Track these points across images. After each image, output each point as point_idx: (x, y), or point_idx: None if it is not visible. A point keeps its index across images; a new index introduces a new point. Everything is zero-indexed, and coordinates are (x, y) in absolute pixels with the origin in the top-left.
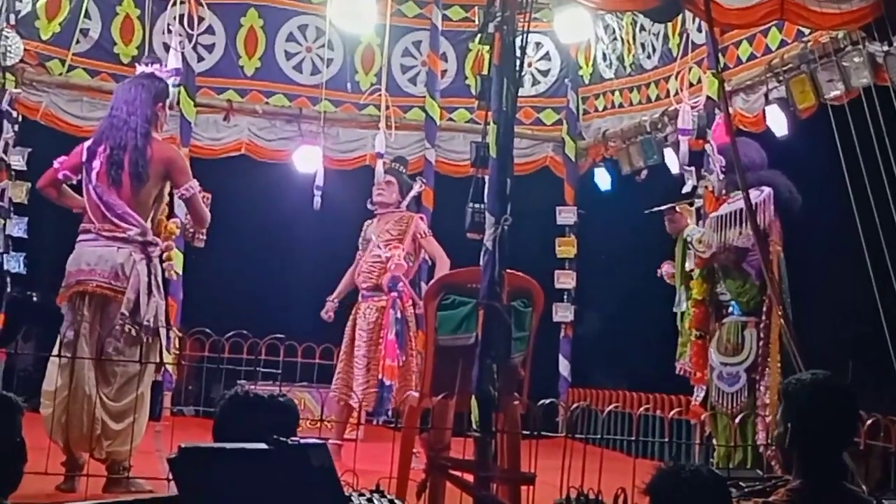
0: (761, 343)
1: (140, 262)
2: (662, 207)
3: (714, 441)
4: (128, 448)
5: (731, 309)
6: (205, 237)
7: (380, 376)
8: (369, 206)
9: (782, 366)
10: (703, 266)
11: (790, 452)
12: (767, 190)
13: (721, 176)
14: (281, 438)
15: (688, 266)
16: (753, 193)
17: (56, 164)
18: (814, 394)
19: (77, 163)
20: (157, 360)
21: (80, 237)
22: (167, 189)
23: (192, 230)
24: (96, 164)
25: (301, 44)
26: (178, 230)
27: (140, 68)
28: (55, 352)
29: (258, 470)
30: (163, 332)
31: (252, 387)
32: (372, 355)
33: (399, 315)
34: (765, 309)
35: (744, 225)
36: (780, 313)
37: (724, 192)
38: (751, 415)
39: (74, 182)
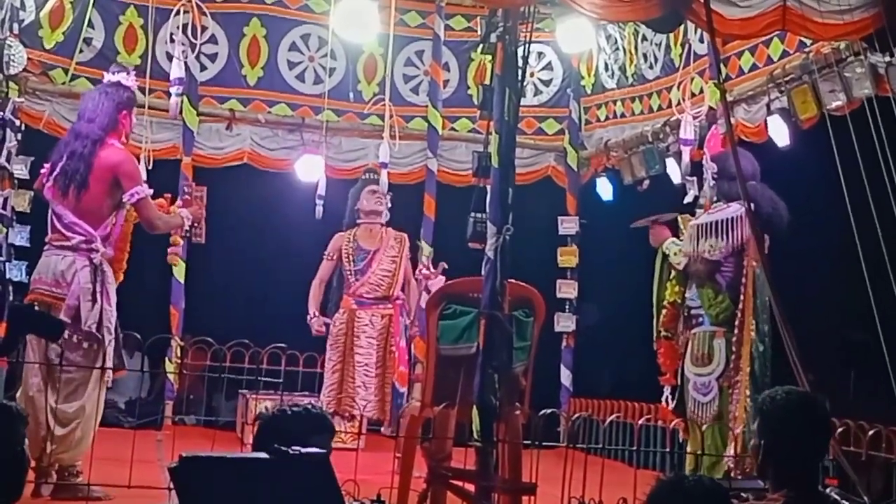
0: (732, 357)
1: (82, 270)
2: (642, 222)
3: (687, 450)
4: (73, 454)
5: (700, 319)
6: (202, 231)
7: (394, 383)
8: (371, 215)
9: (751, 381)
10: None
11: (766, 465)
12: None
13: (711, 183)
14: (282, 448)
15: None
16: (734, 206)
17: (43, 170)
18: (787, 410)
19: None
20: (103, 366)
21: (43, 248)
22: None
23: (192, 225)
24: (53, 174)
25: (304, 53)
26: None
27: (107, 77)
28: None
29: (259, 479)
30: (108, 338)
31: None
32: (386, 363)
33: (407, 322)
34: (737, 323)
35: (718, 238)
36: (752, 328)
37: (714, 199)
38: (723, 425)
39: None
